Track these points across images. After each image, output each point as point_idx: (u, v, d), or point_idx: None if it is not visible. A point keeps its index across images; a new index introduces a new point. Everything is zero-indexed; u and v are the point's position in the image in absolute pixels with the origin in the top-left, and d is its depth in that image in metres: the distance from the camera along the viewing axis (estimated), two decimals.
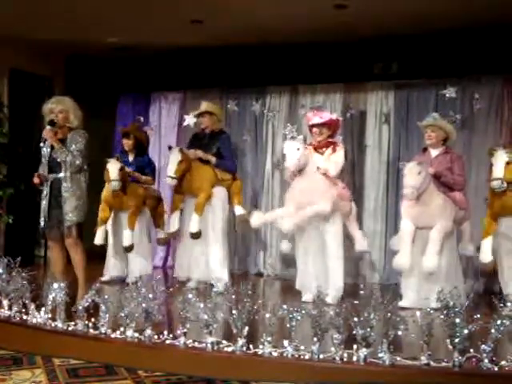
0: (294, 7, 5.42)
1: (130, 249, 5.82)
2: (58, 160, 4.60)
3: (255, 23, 5.84)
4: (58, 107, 4.68)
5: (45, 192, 4.70)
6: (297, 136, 6.41)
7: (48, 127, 4.61)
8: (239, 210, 5.90)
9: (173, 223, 5.83)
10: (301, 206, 5.10)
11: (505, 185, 4.62)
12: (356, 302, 3.55)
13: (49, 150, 4.68)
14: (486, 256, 4.85)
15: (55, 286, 4.20)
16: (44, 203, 4.70)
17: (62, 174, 4.61)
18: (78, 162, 4.59)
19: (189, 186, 5.70)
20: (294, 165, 5.01)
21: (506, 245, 4.87)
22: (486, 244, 4.85)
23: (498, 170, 4.62)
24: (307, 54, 6.58)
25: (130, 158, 6.19)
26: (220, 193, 5.78)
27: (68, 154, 4.57)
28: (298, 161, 5.01)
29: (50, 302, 4.22)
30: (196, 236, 5.61)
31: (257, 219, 5.35)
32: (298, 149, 5.03)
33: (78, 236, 4.71)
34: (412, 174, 4.87)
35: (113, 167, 5.68)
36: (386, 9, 5.40)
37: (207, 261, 5.72)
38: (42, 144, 4.72)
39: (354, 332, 3.44)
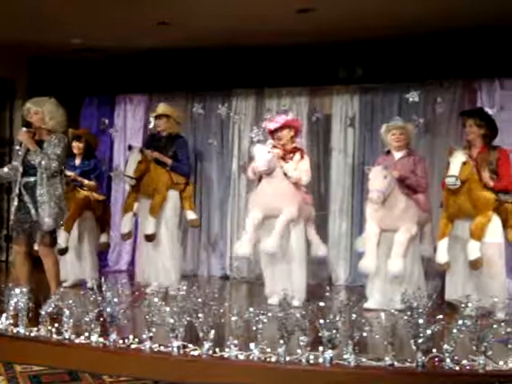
0: (258, 10, 5.44)
1: (64, 251, 5.72)
2: (33, 163, 4.48)
3: (221, 26, 5.85)
4: (34, 108, 4.58)
5: (13, 195, 4.58)
6: (263, 138, 6.51)
7: (23, 129, 4.52)
8: (191, 215, 5.90)
9: (125, 224, 5.79)
10: (268, 209, 5.14)
11: (459, 182, 4.69)
12: (321, 303, 3.57)
13: (23, 151, 4.56)
14: (441, 257, 4.93)
15: (17, 291, 4.12)
16: (14, 208, 4.57)
17: (35, 178, 4.50)
18: (54, 166, 4.47)
19: (146, 187, 5.68)
20: (264, 165, 5.04)
21: (458, 248, 4.96)
22: (442, 245, 4.93)
23: (454, 168, 4.70)
24: (273, 57, 6.61)
25: (77, 161, 6.14)
26: (173, 196, 5.77)
27: (44, 156, 4.46)
28: (269, 162, 5.05)
29: (11, 308, 4.13)
30: (150, 238, 5.61)
31: (244, 248, 5.15)
32: (269, 152, 5.08)
33: (51, 243, 4.61)
34: (378, 178, 4.92)
35: None
36: (349, 14, 5.47)
37: (162, 263, 5.71)
38: (18, 147, 4.59)
39: (320, 334, 3.46)
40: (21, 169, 4.56)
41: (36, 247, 4.61)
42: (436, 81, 6.24)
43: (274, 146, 5.30)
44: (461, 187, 4.73)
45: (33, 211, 4.50)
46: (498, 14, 5.30)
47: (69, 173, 5.88)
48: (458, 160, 4.70)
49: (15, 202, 4.57)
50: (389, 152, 5.39)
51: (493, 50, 5.91)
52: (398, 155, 5.31)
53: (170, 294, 4.09)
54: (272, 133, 5.46)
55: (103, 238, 6.22)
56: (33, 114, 4.57)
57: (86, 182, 6.04)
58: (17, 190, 4.57)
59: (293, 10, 5.41)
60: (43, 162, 4.47)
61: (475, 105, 6.01)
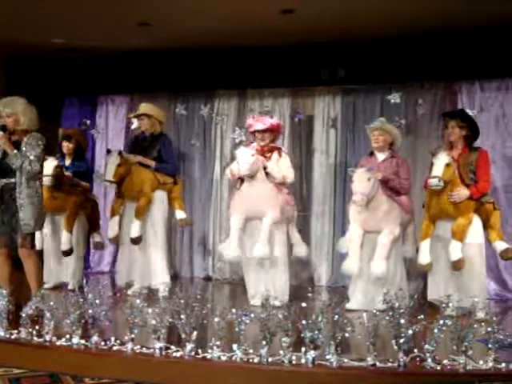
0: (241, 11, 5.44)
1: (69, 252, 5.70)
2: (13, 166, 4.41)
3: (203, 27, 5.84)
4: (6, 110, 4.49)
5: None
6: (245, 139, 6.52)
7: (0, 133, 4.43)
8: (180, 214, 5.87)
9: (112, 228, 5.73)
10: (250, 212, 5.16)
11: (442, 183, 4.71)
12: (304, 304, 3.58)
13: (0, 154, 4.49)
14: (423, 258, 4.96)
15: None
16: None
17: (14, 180, 4.43)
18: (35, 169, 4.43)
19: (129, 190, 5.63)
20: (247, 170, 5.04)
21: (440, 248, 5.00)
22: (424, 246, 4.96)
23: (437, 169, 4.72)
24: (256, 58, 6.61)
25: (67, 161, 6.08)
26: (160, 197, 5.73)
27: (24, 159, 4.40)
28: (252, 166, 5.05)
29: None
30: (136, 241, 5.56)
31: (234, 252, 5.15)
32: (253, 155, 5.08)
33: (32, 245, 4.54)
34: (362, 181, 4.92)
35: (49, 164, 5.56)
36: (332, 15, 5.49)
37: (148, 266, 5.67)
38: None
39: (302, 335, 3.47)
40: None
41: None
42: (417, 82, 6.29)
43: (258, 150, 5.29)
44: (443, 188, 4.76)
45: (12, 213, 4.43)
46: (478, 16, 5.36)
47: (66, 173, 5.84)
48: (440, 161, 4.73)
49: None
50: (372, 153, 5.42)
51: (473, 52, 5.97)
52: (380, 157, 5.33)
53: (164, 294, 4.04)
54: (254, 132, 5.46)
55: (97, 238, 6.17)
56: (5, 117, 4.49)
57: (83, 183, 6.00)
58: None
59: (276, 10, 5.42)
60: (24, 165, 4.41)
61: (456, 106, 6.08)
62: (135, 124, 6.51)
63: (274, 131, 5.46)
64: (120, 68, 7.09)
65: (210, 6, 5.36)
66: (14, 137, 4.52)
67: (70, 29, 6.04)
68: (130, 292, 5.55)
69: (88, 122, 7.33)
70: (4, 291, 4.08)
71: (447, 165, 4.72)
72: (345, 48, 6.34)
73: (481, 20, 5.45)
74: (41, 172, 4.60)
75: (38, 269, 4.64)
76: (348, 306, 4.87)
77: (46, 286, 5.59)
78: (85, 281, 4.12)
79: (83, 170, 6.09)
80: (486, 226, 5.00)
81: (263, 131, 5.40)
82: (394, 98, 6.29)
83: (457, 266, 4.78)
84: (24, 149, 4.46)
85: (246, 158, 5.07)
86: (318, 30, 5.86)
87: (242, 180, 5.30)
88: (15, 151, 4.43)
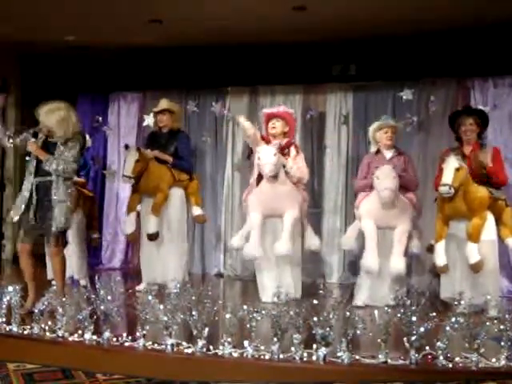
0: (252, 8, 5.44)
1: None
2: (49, 170, 4.41)
3: (215, 24, 5.84)
4: (44, 123, 4.48)
5: (26, 194, 4.46)
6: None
7: (32, 140, 4.45)
8: (197, 211, 5.87)
9: (129, 225, 5.74)
10: (270, 210, 5.18)
11: (452, 190, 4.66)
12: (315, 301, 3.58)
13: (34, 159, 4.49)
14: (440, 259, 4.92)
15: (10, 289, 4.10)
16: (24, 206, 4.46)
17: (50, 178, 4.43)
18: (70, 168, 4.45)
19: (146, 185, 5.64)
20: (271, 171, 5.04)
21: (453, 247, 4.97)
22: (440, 248, 4.92)
23: (447, 176, 4.68)
24: (267, 55, 6.60)
25: None
26: (177, 193, 5.73)
27: (59, 162, 4.40)
28: (275, 166, 5.04)
29: (4, 306, 4.12)
30: (153, 237, 5.56)
31: (254, 249, 5.16)
32: (275, 154, 5.07)
33: (63, 243, 4.56)
34: (389, 177, 4.92)
35: None
36: (343, 12, 5.47)
37: (164, 262, 5.68)
38: (27, 157, 4.53)
39: (314, 331, 3.47)
40: (33, 170, 4.48)
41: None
42: (429, 79, 6.25)
43: (280, 149, 5.25)
44: (456, 191, 4.72)
45: (46, 211, 4.42)
46: (491, 13, 5.32)
47: None
48: (450, 167, 4.68)
49: (25, 201, 4.46)
50: (378, 151, 5.39)
51: (486, 48, 5.92)
52: (388, 154, 5.32)
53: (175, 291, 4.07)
54: (267, 120, 5.45)
55: (94, 234, 6.18)
56: (45, 129, 4.50)
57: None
58: (27, 191, 4.47)
59: (288, 7, 5.41)
60: (60, 167, 4.41)
61: (469, 103, 6.03)
62: (147, 121, 6.53)
63: (286, 121, 5.44)
64: (132, 65, 7.11)
65: (222, 3, 5.36)
66: (51, 138, 4.51)
67: (82, 27, 6.07)
68: (141, 288, 5.57)
69: (100, 118, 7.35)
70: (17, 287, 4.11)
71: (457, 169, 4.68)
72: (356, 45, 6.31)
73: (494, 17, 5.41)
74: (76, 170, 4.58)
75: (64, 267, 4.61)
76: (358, 303, 4.87)
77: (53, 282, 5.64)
78: (97, 277, 4.12)
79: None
80: (499, 222, 4.97)
81: (275, 117, 5.39)
82: (406, 94, 6.26)
83: (476, 268, 4.73)
84: (61, 149, 4.46)
85: (269, 157, 5.04)
86: (330, 27, 5.85)
87: (259, 176, 5.28)
88: (47, 156, 4.43)
